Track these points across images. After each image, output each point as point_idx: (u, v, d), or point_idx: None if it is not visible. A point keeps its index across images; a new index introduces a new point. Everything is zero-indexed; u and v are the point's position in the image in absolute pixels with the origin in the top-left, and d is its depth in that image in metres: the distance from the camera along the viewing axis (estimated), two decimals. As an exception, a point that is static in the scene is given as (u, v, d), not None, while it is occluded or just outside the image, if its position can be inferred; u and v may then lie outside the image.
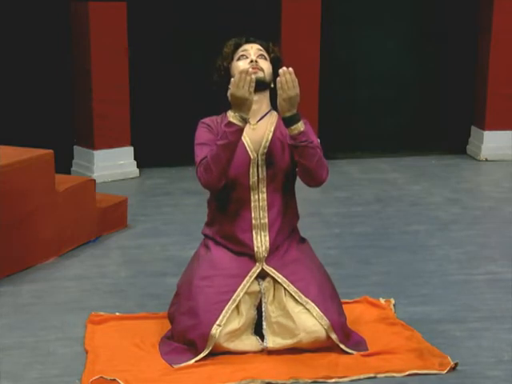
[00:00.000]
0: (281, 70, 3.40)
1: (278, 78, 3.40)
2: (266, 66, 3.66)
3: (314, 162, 3.51)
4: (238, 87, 3.40)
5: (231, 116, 3.48)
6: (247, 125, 3.61)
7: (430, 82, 7.77)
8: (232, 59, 3.69)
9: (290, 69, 3.40)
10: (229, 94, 3.46)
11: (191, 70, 7.11)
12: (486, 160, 7.44)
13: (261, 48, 3.71)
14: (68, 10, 6.76)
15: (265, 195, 3.66)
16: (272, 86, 3.64)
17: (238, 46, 3.70)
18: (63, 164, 5.83)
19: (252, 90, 3.40)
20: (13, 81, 6.75)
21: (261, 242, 3.66)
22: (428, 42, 7.67)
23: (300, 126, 3.47)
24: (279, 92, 3.41)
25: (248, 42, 3.72)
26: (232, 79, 3.43)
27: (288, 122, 3.47)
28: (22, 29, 6.75)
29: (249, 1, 7.14)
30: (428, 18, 7.65)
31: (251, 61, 3.63)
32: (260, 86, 3.58)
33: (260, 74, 3.60)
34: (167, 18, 7.11)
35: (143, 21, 6.96)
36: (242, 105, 3.44)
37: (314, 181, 3.57)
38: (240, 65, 3.64)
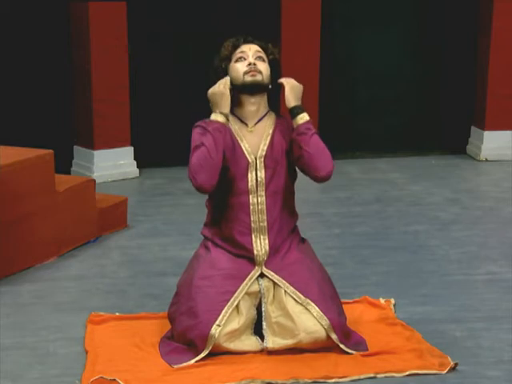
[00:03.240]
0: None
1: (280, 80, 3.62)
2: (264, 68, 3.64)
3: (321, 149, 3.55)
4: (214, 87, 3.55)
5: (213, 116, 3.55)
6: (244, 127, 3.64)
7: (429, 81, 7.77)
8: (230, 60, 3.67)
9: None
10: (208, 93, 3.57)
11: (191, 70, 7.10)
12: (486, 160, 7.43)
13: (259, 49, 3.68)
14: (68, 10, 6.76)
15: (263, 198, 3.65)
16: (270, 87, 3.66)
17: (236, 47, 3.67)
18: (63, 164, 5.82)
19: (227, 86, 3.53)
20: (13, 81, 6.74)
21: (260, 245, 3.65)
22: (428, 42, 7.67)
23: (306, 115, 3.58)
24: (284, 83, 3.59)
25: (246, 41, 3.68)
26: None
27: (295, 112, 3.57)
28: (22, 29, 6.74)
29: (249, 1, 7.14)
30: (428, 19, 7.64)
31: (249, 63, 3.62)
32: (258, 88, 3.62)
33: (258, 77, 3.61)
34: (167, 18, 7.11)
35: (143, 21, 6.96)
36: (221, 100, 3.53)
37: (323, 170, 3.54)
38: (238, 67, 3.63)
